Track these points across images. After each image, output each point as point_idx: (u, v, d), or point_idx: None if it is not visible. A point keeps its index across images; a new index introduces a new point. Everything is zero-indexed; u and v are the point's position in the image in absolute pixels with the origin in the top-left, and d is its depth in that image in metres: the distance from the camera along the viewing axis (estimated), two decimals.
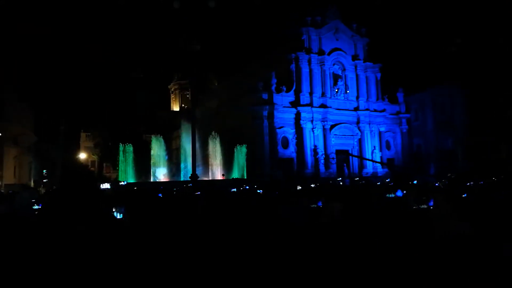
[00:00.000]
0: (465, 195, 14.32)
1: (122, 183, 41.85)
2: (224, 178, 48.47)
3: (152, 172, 53.36)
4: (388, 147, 66.53)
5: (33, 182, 58.33)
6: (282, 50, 59.73)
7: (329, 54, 61.04)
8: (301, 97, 58.30)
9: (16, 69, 51.89)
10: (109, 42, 73.34)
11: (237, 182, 38.24)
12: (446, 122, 62.02)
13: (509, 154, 51.91)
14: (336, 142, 60.62)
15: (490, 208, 10.10)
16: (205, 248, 7.35)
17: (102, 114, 71.79)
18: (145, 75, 77.39)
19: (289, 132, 57.78)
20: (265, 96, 55.90)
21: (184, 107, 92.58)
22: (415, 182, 27.95)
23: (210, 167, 53.77)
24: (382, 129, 65.16)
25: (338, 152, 60.16)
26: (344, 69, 63.20)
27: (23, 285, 6.00)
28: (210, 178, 51.10)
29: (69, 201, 15.08)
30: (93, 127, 77.65)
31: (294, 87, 58.56)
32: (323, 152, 58.46)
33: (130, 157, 51.03)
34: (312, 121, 58.35)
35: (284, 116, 57.15)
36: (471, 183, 21.83)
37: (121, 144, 51.30)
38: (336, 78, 62.19)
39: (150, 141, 55.49)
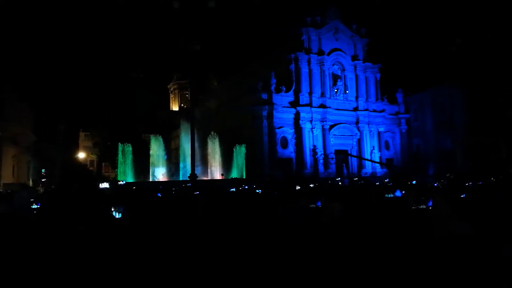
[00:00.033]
0: (464, 195, 14.32)
1: (121, 182, 41.82)
2: (223, 178, 48.47)
3: (151, 171, 53.32)
4: (387, 147, 66.57)
5: (32, 181, 58.24)
6: (281, 50, 59.75)
7: (328, 54, 61.06)
8: (301, 97, 58.31)
9: (16, 69, 51.84)
10: (109, 42, 73.30)
11: (236, 182, 38.22)
12: (445, 122, 62.02)
13: (508, 154, 51.93)
14: (335, 142, 60.63)
15: (489, 208, 10.10)
16: (205, 248, 7.34)
17: (101, 113, 71.80)
18: (144, 75, 77.41)
19: (288, 132, 57.79)
20: (264, 96, 55.91)
21: (183, 107, 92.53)
22: (414, 182, 28.00)
23: (209, 167, 53.75)
24: (381, 129, 65.19)
25: (337, 152, 60.19)
26: (343, 70, 63.23)
27: (23, 285, 5.99)
28: (209, 178, 51.07)
29: (68, 201, 15.07)
30: (92, 126, 77.60)
31: (293, 87, 58.58)
32: (322, 152, 58.48)
33: (129, 156, 50.98)
34: (311, 121, 58.36)
35: (284, 116, 57.16)
36: (470, 183, 21.84)
37: (120, 144, 51.24)
38: (335, 78, 62.22)
39: (149, 140, 55.43)
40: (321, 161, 58.08)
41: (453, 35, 55.03)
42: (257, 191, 22.64)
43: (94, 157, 79.46)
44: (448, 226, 6.84)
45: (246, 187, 29.47)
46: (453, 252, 5.84)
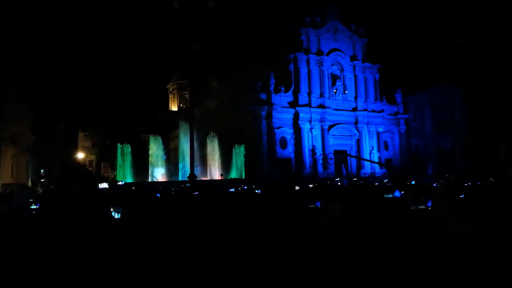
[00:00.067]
0: (463, 195, 14.32)
1: (120, 183, 41.82)
2: (222, 178, 48.49)
3: (150, 172, 53.36)
4: (386, 147, 66.61)
5: (31, 181, 58.25)
6: (281, 50, 59.79)
7: (327, 54, 61.09)
8: (300, 97, 58.32)
9: (16, 69, 51.83)
10: (109, 42, 73.27)
11: (235, 182, 38.26)
12: (444, 122, 62.05)
13: (508, 154, 51.95)
14: (334, 142, 60.62)
15: (489, 209, 10.11)
16: (204, 248, 7.34)
17: (101, 114, 71.80)
18: (144, 75, 77.44)
19: (288, 132, 57.78)
20: (263, 96, 55.91)
21: (182, 107, 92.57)
22: (413, 182, 28.01)
23: (208, 167, 53.75)
24: (380, 129, 65.21)
25: (336, 152, 60.18)
26: (342, 70, 63.24)
27: (23, 285, 5.99)
28: (208, 178, 51.08)
29: (67, 201, 15.06)
30: (91, 127, 77.61)
31: (292, 88, 58.58)
32: (321, 153, 58.49)
33: (128, 157, 51.00)
34: (310, 121, 58.36)
35: (283, 116, 57.15)
36: (469, 183, 21.85)
37: (119, 144, 51.24)
38: (334, 78, 62.22)
39: (148, 141, 55.47)
40: (320, 161, 58.09)
41: (452, 35, 55.06)
42: (256, 191, 22.64)
43: (93, 157, 79.49)
44: (448, 226, 6.84)
45: (246, 187, 29.46)
46: (453, 252, 5.84)
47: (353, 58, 63.74)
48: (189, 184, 34.66)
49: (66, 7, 57.83)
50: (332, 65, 62.14)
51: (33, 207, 14.20)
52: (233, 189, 26.07)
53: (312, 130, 58.54)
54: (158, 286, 6.07)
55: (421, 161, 63.01)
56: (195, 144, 40.93)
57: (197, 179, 38.92)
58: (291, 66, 59.16)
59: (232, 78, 69.37)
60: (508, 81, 51.04)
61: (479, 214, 8.81)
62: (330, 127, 60.28)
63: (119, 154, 51.05)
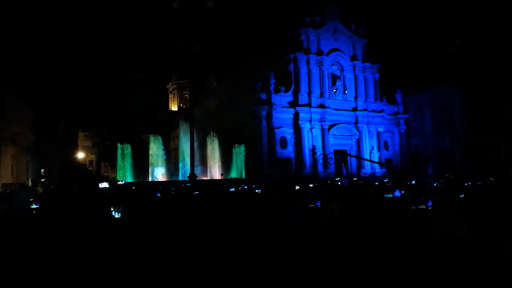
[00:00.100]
0: (463, 195, 14.32)
1: (121, 182, 41.83)
2: (222, 177, 48.48)
3: (150, 171, 53.37)
4: (386, 147, 66.64)
5: (31, 181, 58.22)
6: (281, 51, 59.80)
7: (327, 54, 61.12)
8: (300, 97, 58.34)
9: (16, 69, 51.81)
10: (109, 42, 73.28)
11: (236, 182, 38.23)
12: (444, 122, 62.03)
13: (508, 154, 51.93)
14: (334, 142, 60.65)
15: (489, 208, 10.10)
16: (204, 248, 7.34)
17: (101, 113, 71.85)
18: (144, 75, 77.47)
19: (288, 132, 57.81)
20: (263, 96, 55.93)
21: (182, 106, 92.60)
22: (413, 182, 28.01)
23: (208, 167, 53.76)
24: (380, 129, 65.23)
25: (336, 152, 60.21)
26: (342, 70, 63.26)
27: (23, 285, 5.99)
28: (208, 178, 51.09)
29: (68, 201, 15.05)
30: (91, 126, 77.67)
31: (292, 87, 58.60)
32: (322, 152, 58.51)
33: (128, 156, 51.02)
34: (310, 121, 58.38)
35: (283, 116, 57.18)
36: (469, 183, 21.85)
37: (119, 144, 51.26)
38: (334, 78, 62.26)
39: (148, 140, 55.47)
40: (321, 161, 58.11)
41: (452, 35, 55.04)
42: (256, 191, 22.63)
43: (93, 157, 79.58)
44: (448, 226, 6.84)
45: (246, 187, 29.45)
46: (453, 252, 5.84)
47: (353, 58, 63.76)
48: (189, 184, 34.61)
49: (66, 7, 57.85)
50: (332, 65, 62.16)
51: (34, 206, 14.21)
52: (233, 189, 26.09)
53: (312, 130, 58.56)
54: (158, 286, 6.07)
55: (421, 161, 63.01)
56: (195, 144, 40.85)
57: (197, 178, 38.86)
58: (291, 66, 59.19)
59: (232, 78, 69.34)
60: (508, 81, 51.01)
61: (479, 214, 8.81)
62: (330, 127, 60.31)
63: (119, 154, 51.07)
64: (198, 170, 44.49)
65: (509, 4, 49.97)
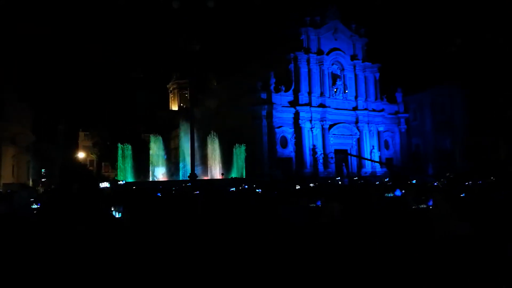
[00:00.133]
0: (463, 194, 14.32)
1: (121, 182, 41.81)
2: (223, 177, 48.46)
3: (151, 171, 53.34)
4: (387, 146, 66.61)
5: (32, 181, 58.24)
6: (281, 50, 59.77)
7: (328, 54, 61.09)
8: (300, 96, 58.31)
9: (16, 69, 51.80)
10: (109, 42, 73.28)
11: (236, 181, 38.22)
12: (444, 122, 62.01)
13: (508, 154, 51.91)
14: (334, 141, 60.64)
15: (489, 208, 10.10)
16: (205, 248, 7.35)
17: (101, 113, 71.83)
18: (144, 75, 77.43)
19: (288, 132, 57.80)
20: (264, 95, 55.92)
21: (182, 106, 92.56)
22: (414, 181, 28.00)
23: (209, 166, 53.74)
24: (381, 128, 65.21)
25: (336, 151, 60.15)
26: (342, 69, 63.24)
27: (23, 285, 5.99)
28: (209, 178, 51.08)
29: (68, 201, 15.06)
30: (91, 126, 77.64)
31: (293, 87, 58.57)
32: (322, 152, 58.48)
33: (129, 156, 50.99)
34: (311, 120, 58.37)
35: (283, 115, 57.17)
36: (470, 182, 21.85)
37: (119, 144, 51.25)
38: (334, 78, 62.24)
39: (149, 140, 55.43)
40: (321, 160, 58.07)
41: (453, 35, 55.01)
42: (257, 190, 22.64)
43: (94, 157, 79.53)
44: (448, 225, 6.84)
45: (246, 186, 29.46)
46: (453, 252, 5.84)
47: (353, 57, 63.74)
48: (189, 184, 34.61)
49: (66, 7, 57.85)
50: (332, 64, 62.14)
51: (34, 206, 14.22)
52: (233, 189, 26.10)
53: (312, 129, 58.55)
54: (158, 285, 6.08)
55: (422, 160, 63.03)
56: (196, 144, 40.79)
57: (197, 178, 38.86)
58: (291, 66, 59.16)
59: (232, 78, 69.39)
60: (508, 81, 51.00)
61: (479, 214, 8.82)
62: (331, 126, 60.29)
63: (119, 154, 51.03)
64: (198, 170, 44.44)
65: (509, 4, 49.94)
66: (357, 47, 64.65)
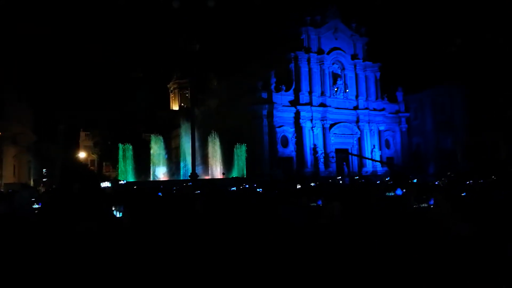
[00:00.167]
0: (464, 194, 14.31)
1: (122, 182, 41.84)
2: (224, 177, 48.47)
3: (152, 171, 53.36)
4: (388, 146, 66.60)
5: (33, 181, 58.33)
6: (281, 50, 59.74)
7: (328, 53, 61.06)
8: (301, 96, 58.33)
9: (16, 69, 51.85)
10: (109, 42, 73.23)
11: (237, 181, 38.21)
12: (445, 121, 61.95)
13: (509, 154, 51.88)
14: (335, 141, 60.64)
15: (490, 208, 10.09)
16: (205, 247, 7.34)
17: (102, 113, 71.75)
18: (144, 74, 77.40)
19: (289, 131, 57.81)
20: (264, 95, 55.94)
21: (183, 106, 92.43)
22: (415, 181, 27.98)
23: (209, 166, 53.76)
24: (382, 128, 65.20)
25: (337, 151, 60.16)
26: (343, 68, 63.22)
27: (23, 285, 5.99)
28: (209, 177, 51.09)
29: (69, 200, 15.06)
30: (92, 126, 77.65)
31: (293, 86, 58.59)
32: (323, 151, 58.48)
33: (130, 156, 51.03)
34: (311, 120, 58.38)
35: (284, 115, 57.18)
36: (471, 182, 21.84)
37: (120, 144, 51.28)
38: (335, 77, 62.23)
39: (150, 140, 55.43)
40: (322, 160, 58.06)
41: (453, 35, 54.98)
42: (258, 190, 22.64)
43: (94, 156, 79.59)
44: (449, 225, 6.83)
45: (247, 186, 29.45)
46: (453, 252, 5.83)
47: (354, 56, 63.73)
48: (190, 183, 34.65)
49: (66, 7, 57.86)
50: (333, 63, 62.14)
51: (35, 206, 14.22)
52: (234, 188, 26.11)
53: (313, 128, 58.56)
54: (158, 285, 6.08)
55: (422, 159, 62.98)
56: (197, 143, 40.93)
57: (198, 178, 38.92)
58: (292, 65, 59.17)
59: (232, 78, 69.21)
60: (508, 81, 50.97)
61: (480, 213, 8.80)
62: (332, 125, 60.30)
63: (120, 154, 51.09)
64: (199, 170, 44.57)
65: (509, 4, 49.90)
66: (358, 47, 64.63)
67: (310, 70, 59.59)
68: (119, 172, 51.82)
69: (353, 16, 64.44)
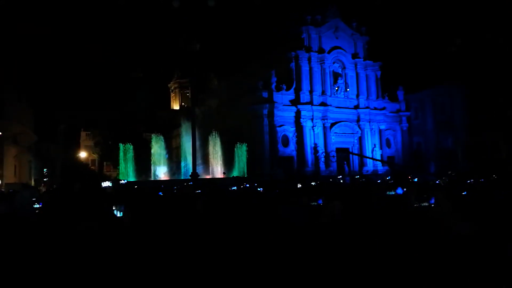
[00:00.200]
0: (465, 193, 14.30)
1: (123, 181, 41.87)
2: (224, 176, 48.48)
3: (153, 170, 53.40)
4: (389, 145, 66.58)
5: (34, 181, 58.38)
6: (282, 49, 59.70)
7: (329, 52, 61.03)
8: (301, 95, 58.31)
9: (16, 69, 51.86)
10: (109, 42, 73.23)
11: (238, 180, 38.21)
12: (446, 121, 61.97)
13: (509, 153, 51.87)
14: (336, 140, 60.62)
15: (490, 207, 10.09)
16: (205, 247, 7.35)
17: (102, 113, 71.81)
18: (145, 74, 77.47)
19: (289, 131, 57.79)
20: (265, 94, 55.93)
21: (184, 105, 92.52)
22: (415, 180, 28.00)
23: (210, 165, 53.78)
24: (382, 127, 65.19)
25: (338, 150, 60.14)
26: (344, 68, 63.20)
27: (23, 285, 6.00)
28: (210, 177, 51.10)
29: (70, 200, 15.08)
30: (93, 126, 77.74)
31: (294, 86, 58.56)
32: (324, 150, 58.45)
33: (131, 156, 51.10)
34: (312, 119, 58.36)
35: (284, 114, 57.15)
36: (471, 181, 21.84)
37: (121, 143, 51.34)
38: (336, 76, 62.19)
39: (150, 139, 55.50)
40: (323, 159, 58.04)
41: (453, 34, 54.95)
42: (258, 189, 22.65)
43: (95, 156, 79.67)
44: (450, 224, 6.83)
45: (248, 185, 29.45)
46: (453, 252, 5.83)
47: (354, 56, 63.71)
48: (191, 183, 34.66)
49: (66, 7, 57.87)
50: (334, 63, 62.10)
51: (36, 206, 14.23)
52: (235, 187, 26.13)
53: (314, 128, 58.54)
54: (159, 285, 6.08)
55: (423, 158, 63.01)
56: (197, 143, 40.93)
57: (199, 177, 38.94)
58: (293, 64, 59.14)
59: (233, 77, 69.23)
60: (508, 81, 50.95)
61: (481, 213, 8.80)
62: (332, 125, 60.27)
63: (121, 153, 51.16)
64: (200, 169, 44.63)
65: (509, 4, 49.86)
66: (358, 46, 64.61)
67: (310, 69, 59.58)
68: (119, 171, 51.92)
69: (354, 15, 64.44)
